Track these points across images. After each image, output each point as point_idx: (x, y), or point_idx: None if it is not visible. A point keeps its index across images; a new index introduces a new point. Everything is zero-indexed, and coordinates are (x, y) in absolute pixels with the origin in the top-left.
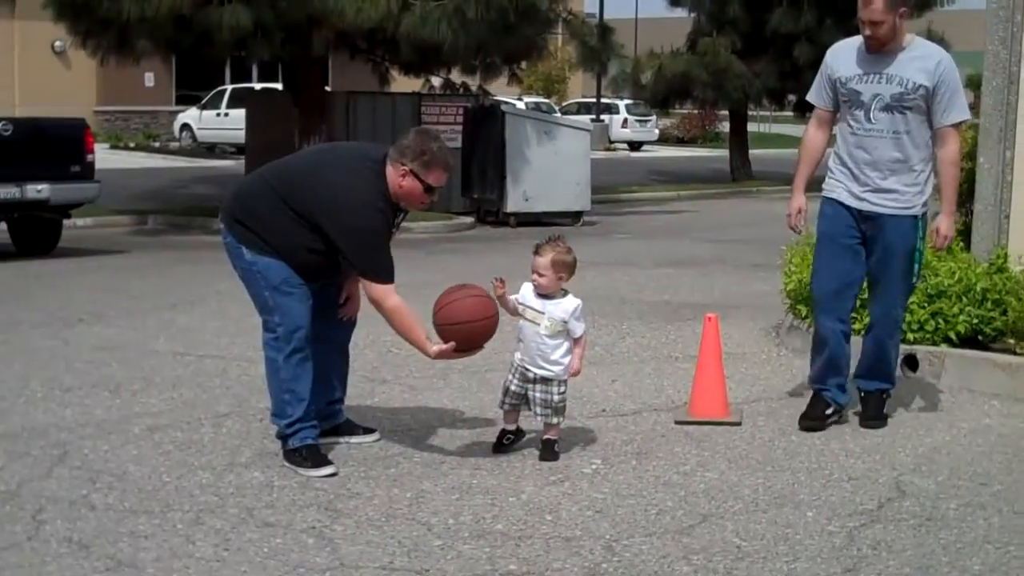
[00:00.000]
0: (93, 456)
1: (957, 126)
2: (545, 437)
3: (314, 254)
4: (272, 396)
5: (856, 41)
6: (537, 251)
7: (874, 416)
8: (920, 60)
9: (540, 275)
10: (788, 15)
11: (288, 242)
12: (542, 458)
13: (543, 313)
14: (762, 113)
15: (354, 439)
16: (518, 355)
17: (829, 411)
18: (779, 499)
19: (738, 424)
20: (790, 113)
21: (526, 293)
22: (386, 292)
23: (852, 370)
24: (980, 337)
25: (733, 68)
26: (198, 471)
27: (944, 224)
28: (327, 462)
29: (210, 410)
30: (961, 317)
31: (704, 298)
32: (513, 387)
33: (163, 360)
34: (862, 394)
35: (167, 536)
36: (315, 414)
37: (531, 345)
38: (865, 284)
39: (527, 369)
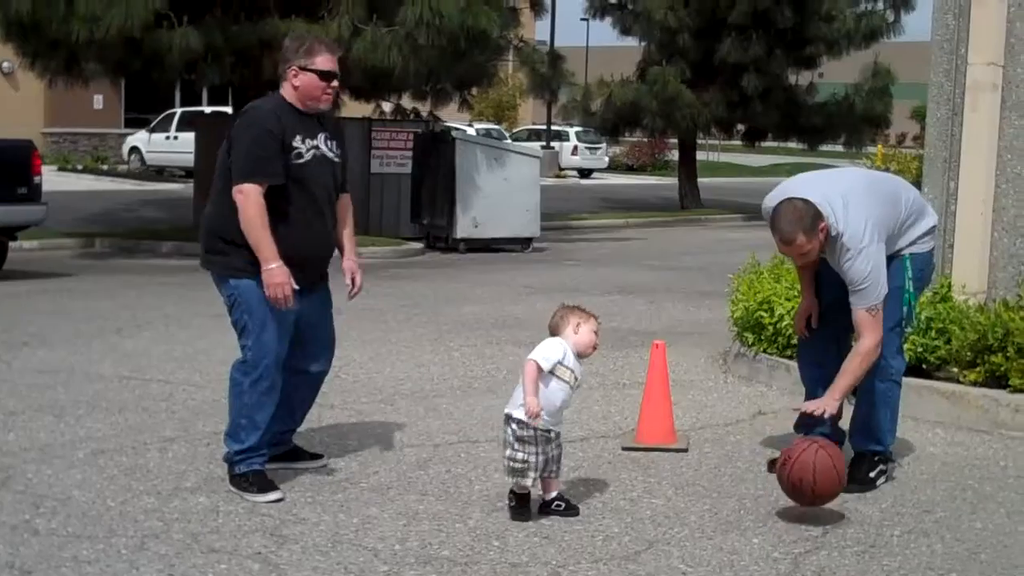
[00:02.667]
0: (36, 480)
1: (871, 311)
2: (559, 492)
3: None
4: (230, 417)
5: None
6: (591, 318)
7: (855, 479)
8: (833, 252)
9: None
10: (737, 45)
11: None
12: (572, 515)
13: (575, 372)
14: (711, 142)
15: (300, 464)
16: (544, 419)
17: None
18: (725, 525)
19: (685, 451)
20: (739, 142)
21: (568, 355)
22: (242, 188)
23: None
24: (924, 366)
25: (682, 97)
26: (143, 496)
27: (823, 401)
28: (274, 487)
29: (156, 435)
30: (905, 345)
31: (652, 325)
32: (540, 459)
33: (108, 384)
34: (854, 454)
35: (111, 562)
36: (268, 441)
37: (560, 406)
38: None
39: (551, 430)
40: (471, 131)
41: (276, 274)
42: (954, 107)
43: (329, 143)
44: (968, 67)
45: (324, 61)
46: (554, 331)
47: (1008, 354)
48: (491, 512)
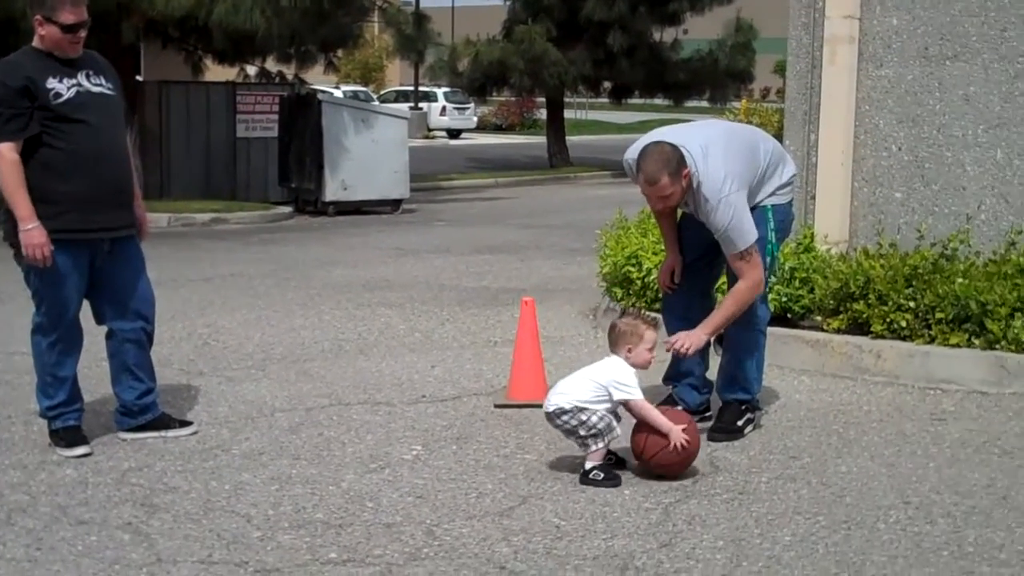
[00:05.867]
0: None
1: (745, 256)
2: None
3: (48, 172)
4: (37, 376)
5: None
6: (642, 337)
7: (722, 429)
8: (695, 199)
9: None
10: (601, 3)
11: (33, 188)
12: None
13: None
14: (579, 100)
15: (171, 433)
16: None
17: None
18: None
19: None
20: (606, 100)
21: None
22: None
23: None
24: (789, 315)
25: (549, 55)
26: (8, 470)
27: (691, 334)
28: (82, 443)
29: (20, 408)
30: (770, 295)
31: (522, 283)
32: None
33: None
34: (721, 403)
35: None
36: (124, 410)
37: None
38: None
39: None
40: (338, 93)
41: (34, 235)
42: (813, 60)
43: (94, 78)
44: (826, 20)
45: (67, 14)
46: (611, 345)
47: (869, 301)
48: (364, 474)
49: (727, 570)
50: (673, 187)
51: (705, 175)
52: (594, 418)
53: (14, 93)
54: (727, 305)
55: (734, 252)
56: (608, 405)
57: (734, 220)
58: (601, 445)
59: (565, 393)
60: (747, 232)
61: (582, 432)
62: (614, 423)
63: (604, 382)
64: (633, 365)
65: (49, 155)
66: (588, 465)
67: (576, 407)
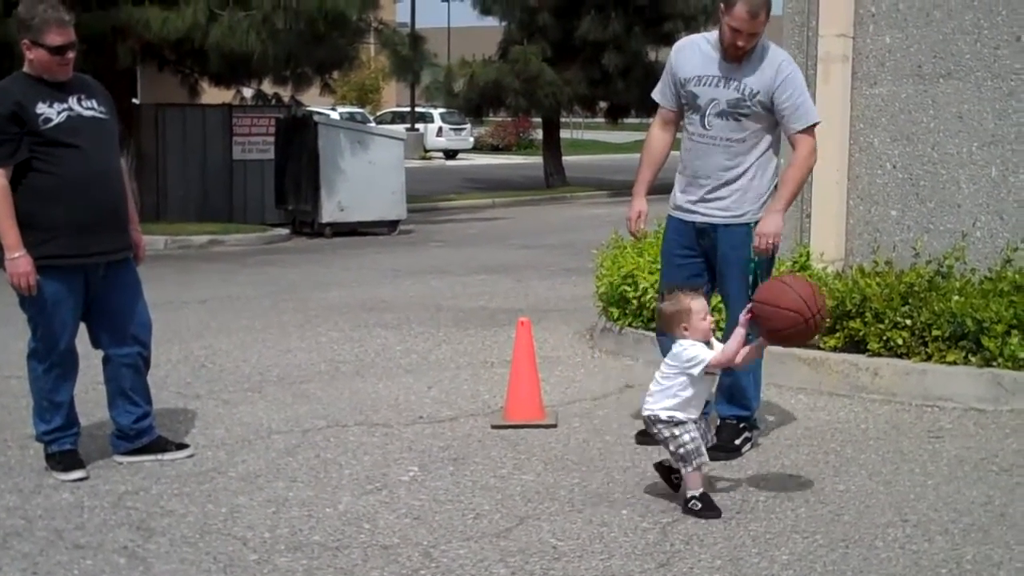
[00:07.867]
0: None
1: (809, 130)
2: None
3: (39, 198)
4: (34, 400)
5: (702, 40)
6: (690, 309)
7: (722, 446)
8: (761, 65)
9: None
10: (596, 23)
11: (25, 213)
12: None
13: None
14: (574, 120)
15: (167, 456)
16: (693, 413)
17: None
18: (594, 498)
19: (553, 426)
20: (602, 120)
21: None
22: None
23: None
24: None
25: (544, 76)
26: (5, 494)
27: (765, 222)
28: (78, 467)
29: (16, 432)
30: None
31: (519, 303)
32: (699, 432)
33: None
34: (719, 421)
35: None
36: (121, 433)
37: (703, 394)
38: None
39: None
40: (334, 115)
41: (19, 264)
42: (807, 79)
43: (86, 102)
44: (819, 39)
45: (54, 36)
46: (666, 330)
47: (865, 319)
48: (361, 495)
49: None
50: (762, 28)
51: (777, 49)
52: (686, 436)
53: (3, 120)
54: (792, 177)
55: (797, 128)
56: (690, 386)
57: (803, 90)
58: (690, 469)
59: (651, 397)
60: (814, 109)
61: (672, 448)
62: (703, 448)
63: (676, 372)
64: (697, 337)
65: (39, 181)
66: (688, 493)
67: (670, 420)
